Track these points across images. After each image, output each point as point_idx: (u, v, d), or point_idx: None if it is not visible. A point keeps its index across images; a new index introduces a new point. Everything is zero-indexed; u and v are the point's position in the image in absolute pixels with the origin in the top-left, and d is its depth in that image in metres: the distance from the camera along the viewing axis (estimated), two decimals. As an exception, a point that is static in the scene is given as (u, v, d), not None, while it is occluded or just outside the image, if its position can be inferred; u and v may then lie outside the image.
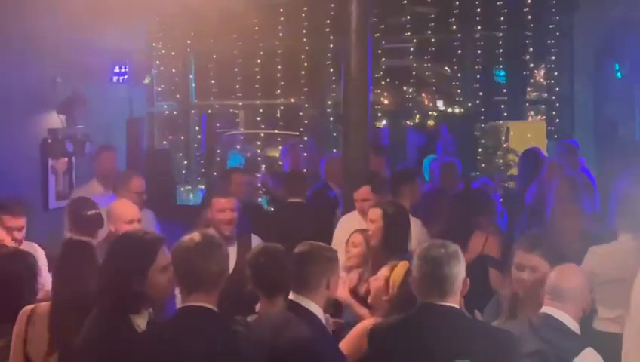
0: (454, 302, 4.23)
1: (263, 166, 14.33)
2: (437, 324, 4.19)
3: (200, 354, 3.96)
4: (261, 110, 14.47)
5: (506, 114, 14.57)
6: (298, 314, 4.62)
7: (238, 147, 15.17)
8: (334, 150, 12.79)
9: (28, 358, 5.01)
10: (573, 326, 4.52)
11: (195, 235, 4.18)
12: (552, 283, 4.58)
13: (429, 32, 13.99)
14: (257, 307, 5.29)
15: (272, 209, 11.03)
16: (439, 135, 13.47)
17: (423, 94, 15.66)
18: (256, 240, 7.00)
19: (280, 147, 15.26)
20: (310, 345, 4.49)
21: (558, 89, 13.50)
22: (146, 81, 12.90)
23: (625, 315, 5.73)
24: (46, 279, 6.18)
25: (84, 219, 6.88)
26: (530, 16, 13.36)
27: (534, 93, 15.48)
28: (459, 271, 4.23)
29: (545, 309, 4.56)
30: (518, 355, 4.27)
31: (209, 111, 14.70)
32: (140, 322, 4.24)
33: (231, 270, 6.44)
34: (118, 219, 6.69)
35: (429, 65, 15.04)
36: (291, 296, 4.73)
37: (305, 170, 11.39)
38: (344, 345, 5.02)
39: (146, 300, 4.24)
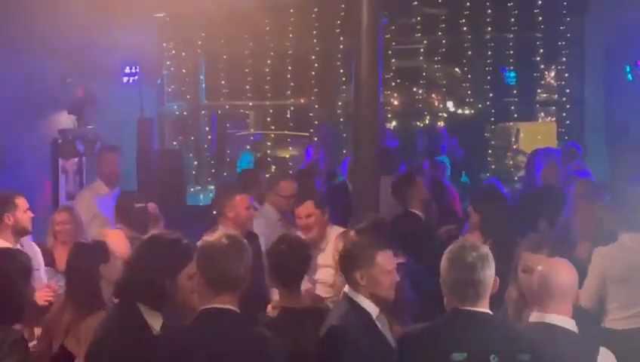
0: (485, 305, 4.13)
1: (273, 167, 14.33)
2: (471, 331, 4.08)
3: (226, 356, 3.97)
4: (271, 111, 14.49)
5: (516, 115, 14.58)
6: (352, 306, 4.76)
7: (248, 147, 15.17)
8: (344, 151, 12.79)
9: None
10: (573, 326, 4.36)
11: (222, 237, 4.15)
12: (543, 282, 4.38)
13: (440, 33, 14.00)
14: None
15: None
16: (441, 137, 13.46)
17: (433, 95, 15.66)
18: (262, 240, 7.03)
19: (290, 148, 15.29)
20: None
21: (568, 90, 13.50)
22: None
23: None
24: (42, 277, 6.32)
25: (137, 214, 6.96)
26: (540, 18, 13.35)
27: (544, 95, 15.47)
28: (491, 273, 4.12)
29: (541, 317, 4.37)
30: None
31: (219, 111, 14.72)
32: (155, 324, 4.26)
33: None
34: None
35: (440, 66, 15.03)
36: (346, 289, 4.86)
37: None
38: None
39: (170, 299, 4.27)
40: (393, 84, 14.28)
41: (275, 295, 5.41)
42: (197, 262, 4.15)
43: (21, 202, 6.54)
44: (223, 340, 3.98)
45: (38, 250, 6.80)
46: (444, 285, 4.17)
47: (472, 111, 14.51)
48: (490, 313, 4.15)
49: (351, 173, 9.66)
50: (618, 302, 6.23)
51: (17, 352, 4.46)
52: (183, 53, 13.97)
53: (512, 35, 13.61)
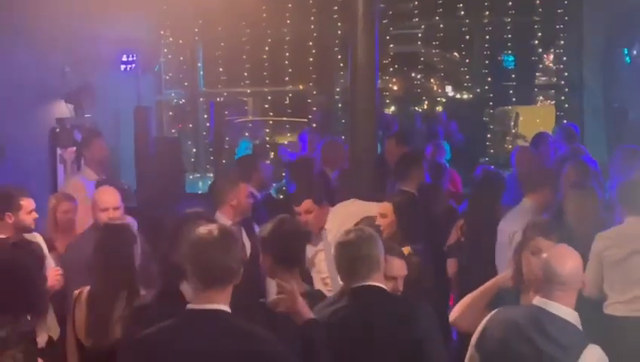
0: (380, 280, 4.50)
1: (272, 153, 14.32)
2: (375, 303, 4.47)
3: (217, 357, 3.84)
4: (269, 97, 14.48)
5: (515, 99, 14.56)
6: None
7: (247, 134, 15.17)
8: (342, 137, 12.77)
9: (78, 340, 5.14)
10: (572, 317, 4.29)
11: (213, 228, 3.97)
12: (547, 270, 4.33)
13: (437, 17, 13.97)
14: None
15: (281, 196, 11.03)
16: (440, 121, 13.44)
17: (432, 80, 15.65)
18: (256, 228, 7.05)
19: (289, 134, 15.27)
20: None
21: (567, 74, 13.46)
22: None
23: None
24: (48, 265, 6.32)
25: None
26: (538, 2, 13.32)
27: (543, 79, 15.44)
28: (379, 251, 4.51)
29: (543, 303, 4.32)
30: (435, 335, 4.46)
31: (217, 99, 14.69)
32: None
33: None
34: (95, 206, 6.57)
35: (438, 51, 15.01)
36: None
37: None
38: None
39: None
40: (391, 69, 14.26)
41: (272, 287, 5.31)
42: (185, 257, 4.01)
43: (26, 203, 6.44)
44: (210, 341, 3.83)
45: (41, 239, 6.79)
46: (338, 268, 4.56)
47: (471, 96, 14.50)
48: (383, 286, 4.51)
49: (326, 151, 9.64)
50: (616, 285, 6.22)
51: (25, 343, 4.50)
52: (181, 41, 13.95)
53: (509, 19, 13.57)
